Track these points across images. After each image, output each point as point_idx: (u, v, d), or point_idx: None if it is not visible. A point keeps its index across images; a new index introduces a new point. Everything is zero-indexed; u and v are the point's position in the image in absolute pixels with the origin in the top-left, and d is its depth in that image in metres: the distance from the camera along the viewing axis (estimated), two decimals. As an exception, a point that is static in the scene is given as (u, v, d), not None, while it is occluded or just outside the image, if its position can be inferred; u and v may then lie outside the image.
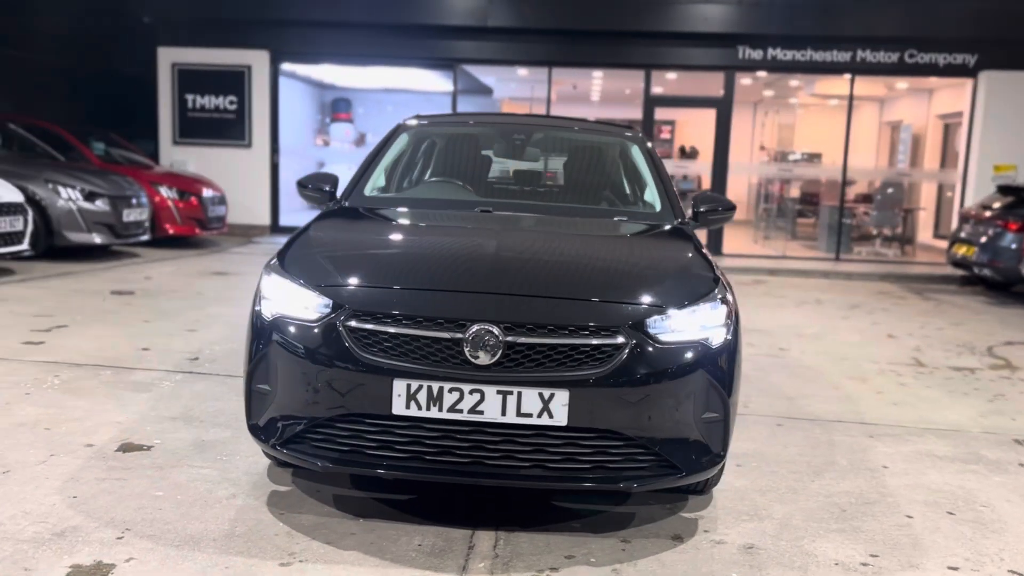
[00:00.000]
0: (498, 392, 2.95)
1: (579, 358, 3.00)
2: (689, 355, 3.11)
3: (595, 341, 3.01)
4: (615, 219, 4.11)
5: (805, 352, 6.95)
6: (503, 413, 2.96)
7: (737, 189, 17.53)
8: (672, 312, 3.15)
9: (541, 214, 4.13)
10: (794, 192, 16.89)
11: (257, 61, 14.41)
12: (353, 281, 3.19)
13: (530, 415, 2.97)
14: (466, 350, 2.96)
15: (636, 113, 14.46)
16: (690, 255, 3.65)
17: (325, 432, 3.08)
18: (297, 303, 3.16)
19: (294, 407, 3.11)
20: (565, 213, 4.23)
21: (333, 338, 3.05)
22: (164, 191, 12.17)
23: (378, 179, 4.42)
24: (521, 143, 4.83)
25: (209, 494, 3.42)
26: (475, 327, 2.97)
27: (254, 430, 3.23)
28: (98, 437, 4.01)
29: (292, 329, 3.13)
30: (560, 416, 2.97)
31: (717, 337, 3.22)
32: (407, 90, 18.06)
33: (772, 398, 5.42)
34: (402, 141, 4.69)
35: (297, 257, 3.39)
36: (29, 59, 16.39)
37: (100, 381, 4.94)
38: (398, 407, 2.98)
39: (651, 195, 4.43)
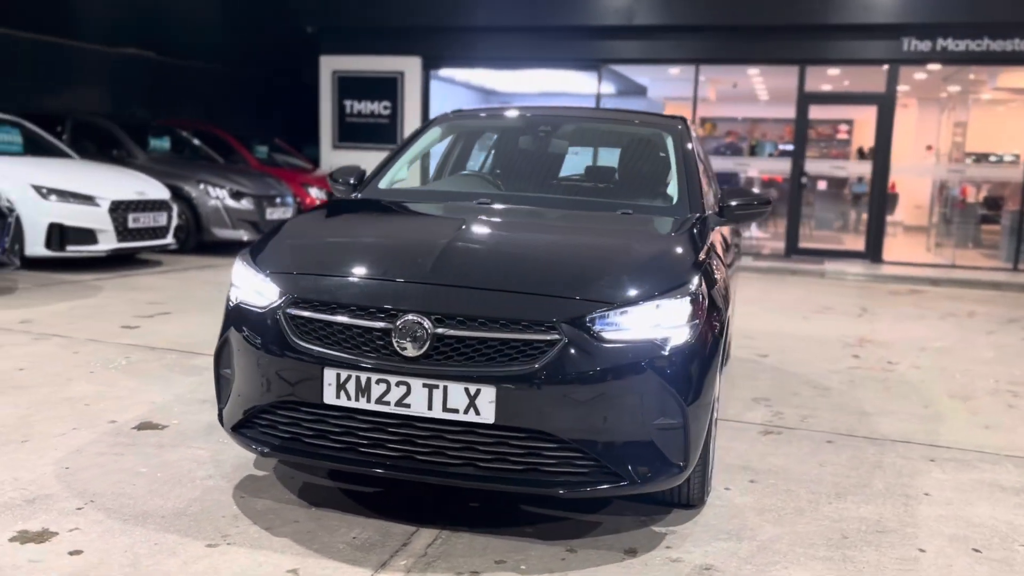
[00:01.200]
0: (424, 385, 2.86)
1: (510, 354, 2.86)
2: (638, 355, 2.89)
3: (527, 336, 2.86)
4: (618, 212, 3.89)
5: (916, 367, 6.33)
6: (429, 407, 2.87)
7: (916, 192, 16.31)
8: (620, 308, 2.93)
9: (541, 207, 3.99)
10: (974, 195, 15.48)
11: (409, 67, 14.88)
12: (298, 269, 3.19)
13: (456, 411, 2.85)
14: (395, 341, 2.89)
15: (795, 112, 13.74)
16: (668, 249, 3.39)
17: (268, 419, 3.11)
18: (253, 290, 3.20)
19: (246, 392, 3.15)
20: (568, 206, 4.06)
21: (274, 325, 3.07)
22: (314, 192, 12.84)
23: (399, 172, 4.41)
24: (546, 135, 4.69)
25: (188, 474, 3.54)
26: (404, 317, 2.90)
27: (220, 414, 3.30)
28: (125, 415, 4.24)
29: (247, 316, 3.18)
30: (487, 413, 2.84)
31: (676, 337, 2.98)
32: (564, 93, 18.05)
33: (841, 413, 4.97)
34: (434, 134, 4.66)
35: (264, 246, 3.44)
36: (212, 70, 17.74)
37: (161, 364, 5.24)
38: (329, 396, 2.95)
39: (672, 188, 4.17)
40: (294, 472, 3.58)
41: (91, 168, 9.47)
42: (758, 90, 17.68)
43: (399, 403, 2.89)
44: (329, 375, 2.94)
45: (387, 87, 15.03)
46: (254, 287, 3.20)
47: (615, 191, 4.34)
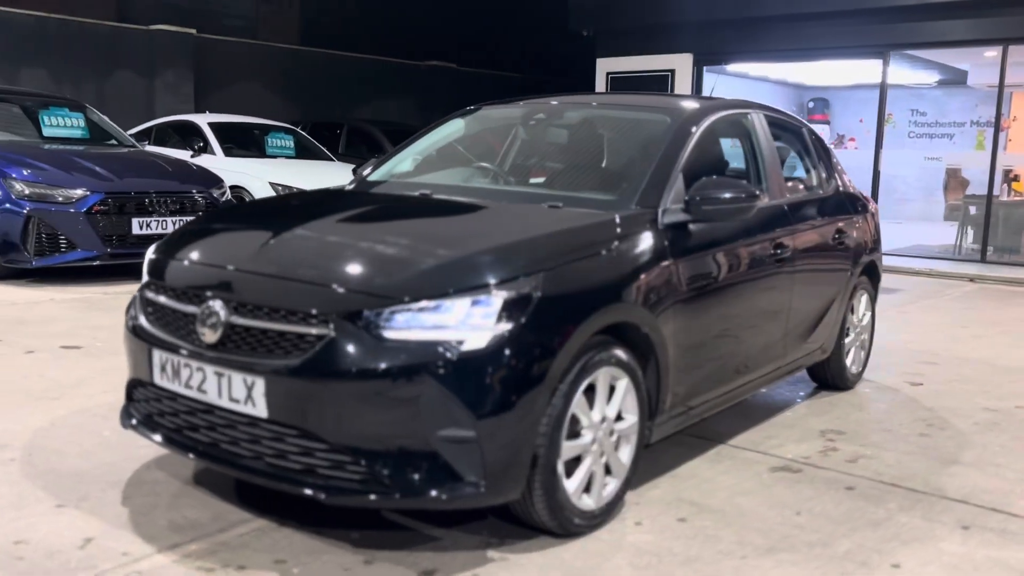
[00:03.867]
0: (215, 373, 2.85)
1: (285, 346, 2.74)
2: (418, 357, 2.62)
3: (299, 329, 2.72)
4: (545, 205, 3.50)
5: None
6: (219, 396, 2.85)
7: None
8: (403, 304, 2.68)
9: (474, 198, 3.70)
10: None
11: (680, 64, 14.47)
12: (159, 253, 3.31)
13: (239, 401, 2.81)
14: (196, 326, 2.91)
15: None
16: (497, 245, 2.98)
17: (137, 394, 3.27)
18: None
19: (129, 367, 3.34)
20: (506, 198, 3.73)
21: (134, 305, 3.24)
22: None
23: (402, 163, 4.36)
24: (537, 125, 4.33)
25: (134, 441, 3.81)
26: (206, 303, 2.91)
27: None
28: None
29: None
30: (261, 407, 2.76)
31: (474, 341, 2.66)
32: (874, 85, 16.43)
33: (921, 459, 4.05)
34: (453, 126, 4.55)
35: (178, 232, 3.60)
36: (503, 77, 18.64)
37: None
38: (157, 376, 3.05)
39: (632, 179, 3.66)
40: (218, 451, 3.72)
41: (328, 168, 10.45)
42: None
43: (199, 389, 2.90)
44: (156, 356, 3.03)
45: (657, 85, 14.76)
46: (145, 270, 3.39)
47: (571, 182, 3.91)
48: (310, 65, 16.37)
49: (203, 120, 10.85)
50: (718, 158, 4.15)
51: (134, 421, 3.21)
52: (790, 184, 4.68)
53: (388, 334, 2.65)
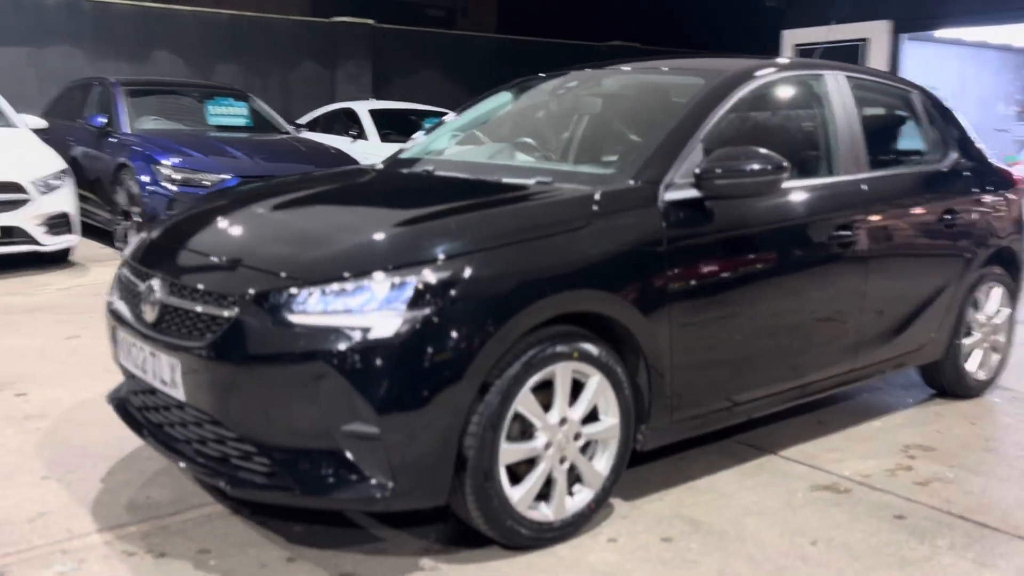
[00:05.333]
0: (151, 353, 2.78)
1: (200, 327, 2.62)
2: (324, 343, 2.41)
3: (213, 310, 2.59)
4: (534, 181, 3.14)
5: None
6: (154, 377, 2.79)
7: None
8: (314, 286, 2.48)
9: (478, 174, 3.39)
10: None
11: (875, 33, 13.22)
12: (145, 231, 3.28)
13: (166, 383, 2.72)
14: (141, 304, 2.86)
15: None
16: (443, 221, 2.69)
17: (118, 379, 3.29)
18: None
19: None
20: (507, 172, 3.36)
21: (114, 284, 3.24)
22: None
23: (439, 139, 4.13)
24: (568, 95, 3.92)
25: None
26: (148, 281, 2.85)
27: None
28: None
29: None
30: (181, 390, 2.66)
31: (383, 326, 2.42)
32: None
33: (998, 485, 3.37)
34: (499, 99, 4.25)
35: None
36: (676, 54, 17.83)
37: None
38: (121, 355, 3.03)
39: (633, 149, 3.22)
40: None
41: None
42: None
43: (142, 369, 2.85)
44: (118, 334, 3.02)
45: (847, 56, 13.55)
46: None
47: (583, 154, 3.50)
48: (490, 50, 16.46)
49: (363, 107, 11.14)
50: (765, 126, 3.60)
51: (114, 398, 3.22)
52: (883, 157, 4.02)
53: (293, 318, 2.46)
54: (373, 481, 2.46)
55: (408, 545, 2.76)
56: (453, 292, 2.47)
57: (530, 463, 2.71)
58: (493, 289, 2.52)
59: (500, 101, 4.22)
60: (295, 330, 2.45)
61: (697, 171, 3.02)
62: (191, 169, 7.93)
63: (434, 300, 2.45)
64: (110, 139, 8.62)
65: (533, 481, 2.69)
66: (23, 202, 6.97)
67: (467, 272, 2.50)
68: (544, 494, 2.76)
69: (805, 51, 14.06)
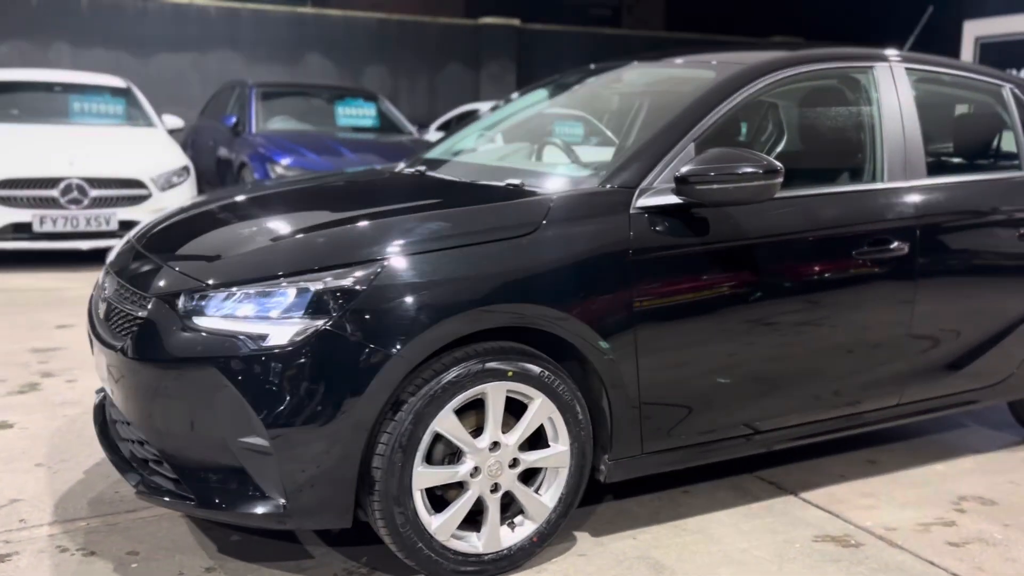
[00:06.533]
0: (99, 350, 2.76)
1: (126, 327, 2.58)
2: (219, 349, 2.31)
3: (133, 309, 2.54)
4: (505, 183, 2.90)
5: None
6: (99, 372, 2.78)
7: None
8: (221, 291, 2.38)
9: (466, 177, 3.19)
10: None
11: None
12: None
13: (104, 380, 2.72)
14: (99, 301, 2.87)
15: None
16: (356, 226, 2.53)
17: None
18: None
19: None
20: (479, 175, 3.15)
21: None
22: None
23: (466, 139, 3.95)
24: (586, 93, 3.62)
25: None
26: (106, 277, 2.85)
27: None
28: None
29: None
30: (110, 388, 2.65)
31: (278, 335, 2.29)
32: None
33: (1068, 555, 2.82)
34: (535, 96, 4.03)
35: None
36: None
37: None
38: (93, 351, 3.06)
39: (622, 152, 2.91)
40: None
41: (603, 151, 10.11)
42: None
43: (96, 366, 2.86)
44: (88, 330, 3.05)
45: (1029, 52, 12.22)
46: None
47: (580, 156, 3.20)
48: (643, 49, 16.07)
49: (486, 108, 11.13)
50: (783, 127, 3.20)
51: (99, 394, 3.27)
52: (953, 161, 3.49)
53: (196, 322, 2.37)
54: (270, 498, 2.33)
55: (333, 565, 2.62)
56: (356, 302, 2.30)
57: (462, 489, 2.51)
58: (402, 299, 2.33)
59: (528, 100, 4.00)
60: (196, 334, 2.36)
61: (677, 175, 2.69)
62: (303, 169, 8.15)
63: (334, 309, 2.29)
64: (239, 139, 9.02)
65: (455, 509, 2.48)
66: (144, 197, 7.38)
67: (373, 280, 2.33)
68: (480, 524, 2.54)
69: (990, 45, 12.78)
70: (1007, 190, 3.48)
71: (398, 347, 2.30)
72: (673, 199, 2.71)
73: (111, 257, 2.99)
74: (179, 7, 12.75)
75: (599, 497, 3.11)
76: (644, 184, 2.72)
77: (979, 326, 3.37)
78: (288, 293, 2.32)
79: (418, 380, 2.37)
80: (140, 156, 7.65)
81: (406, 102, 13.37)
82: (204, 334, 2.34)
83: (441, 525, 2.46)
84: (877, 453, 3.62)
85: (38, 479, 3.17)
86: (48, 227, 7.00)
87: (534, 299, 2.49)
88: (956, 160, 3.61)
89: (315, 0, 14.99)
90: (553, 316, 2.51)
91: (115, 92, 8.78)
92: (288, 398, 2.27)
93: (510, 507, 2.61)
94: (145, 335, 2.44)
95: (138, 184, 7.35)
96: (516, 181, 2.87)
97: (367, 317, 2.30)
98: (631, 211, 2.67)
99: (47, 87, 8.63)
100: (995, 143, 3.69)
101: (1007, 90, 3.67)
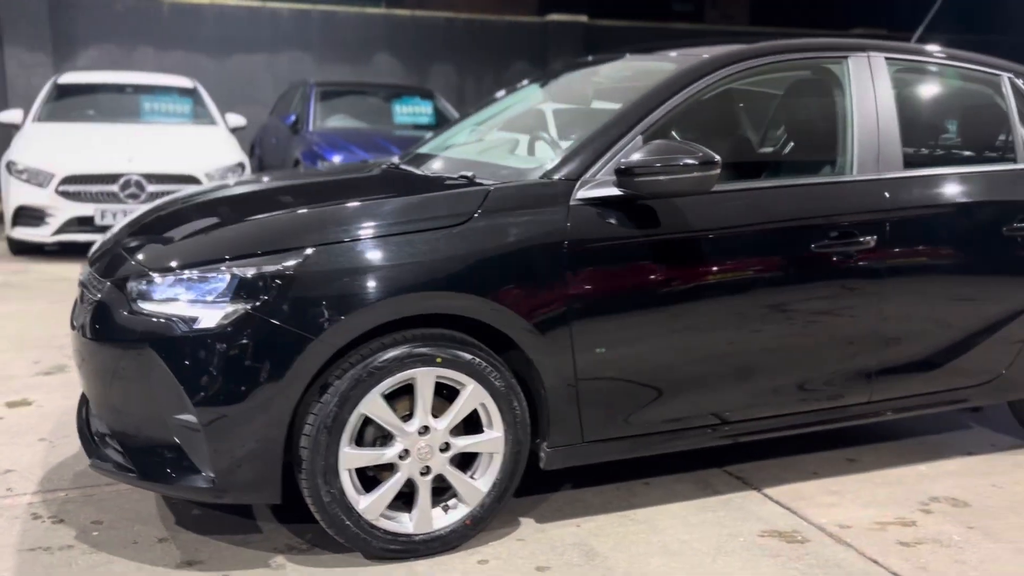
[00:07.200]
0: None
1: (88, 308, 2.74)
2: (155, 331, 2.46)
3: (93, 294, 2.71)
4: (457, 175, 2.95)
5: None
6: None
7: None
8: (162, 276, 2.52)
9: (424, 170, 3.28)
10: None
11: None
12: None
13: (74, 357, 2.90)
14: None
15: None
16: (285, 215, 2.66)
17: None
18: None
19: None
20: (444, 168, 3.24)
21: None
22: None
23: (458, 134, 4.03)
24: (568, 87, 3.63)
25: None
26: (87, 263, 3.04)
27: None
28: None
29: None
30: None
31: (208, 318, 2.43)
32: None
33: (1011, 558, 2.72)
34: (526, 92, 4.08)
35: None
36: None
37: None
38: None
39: (569, 144, 2.93)
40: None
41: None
42: None
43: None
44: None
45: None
46: None
47: (539, 148, 3.22)
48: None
49: (548, 107, 11.15)
50: (740, 119, 3.17)
51: None
52: (937, 154, 3.39)
53: (142, 305, 2.52)
54: (202, 472, 2.47)
55: (277, 540, 2.74)
56: (282, 287, 2.42)
57: (393, 471, 2.59)
58: (327, 286, 2.44)
59: (515, 96, 4.06)
60: (139, 317, 2.51)
61: (617, 167, 2.72)
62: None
63: (260, 294, 2.41)
64: (297, 136, 9.31)
65: (384, 490, 2.57)
66: (198, 193, 7.72)
67: (299, 267, 2.43)
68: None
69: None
70: (996, 184, 3.36)
71: (320, 332, 2.40)
72: (615, 191, 2.74)
73: (94, 248, 3.18)
74: (253, 10, 13.18)
75: (557, 485, 3.15)
76: (587, 176, 2.76)
77: (958, 324, 3.28)
78: (222, 279, 2.45)
79: (345, 364, 2.46)
80: (197, 153, 7.99)
81: (472, 100, 13.50)
82: (146, 317, 2.49)
83: (369, 505, 2.55)
84: (859, 452, 3.55)
85: (35, 452, 3.40)
86: (108, 220, 7.37)
87: (462, 287, 2.56)
88: (945, 152, 3.51)
89: (389, 0, 15.30)
90: (482, 305, 2.57)
91: (183, 92, 9.20)
92: (215, 378, 2.40)
93: (448, 491, 2.69)
94: (98, 317, 2.61)
95: (192, 180, 7.67)
96: (469, 173, 2.94)
97: (291, 303, 2.41)
98: (571, 202, 2.71)
99: (120, 88, 9.10)
100: (991, 135, 3.57)
101: (1005, 80, 3.54)
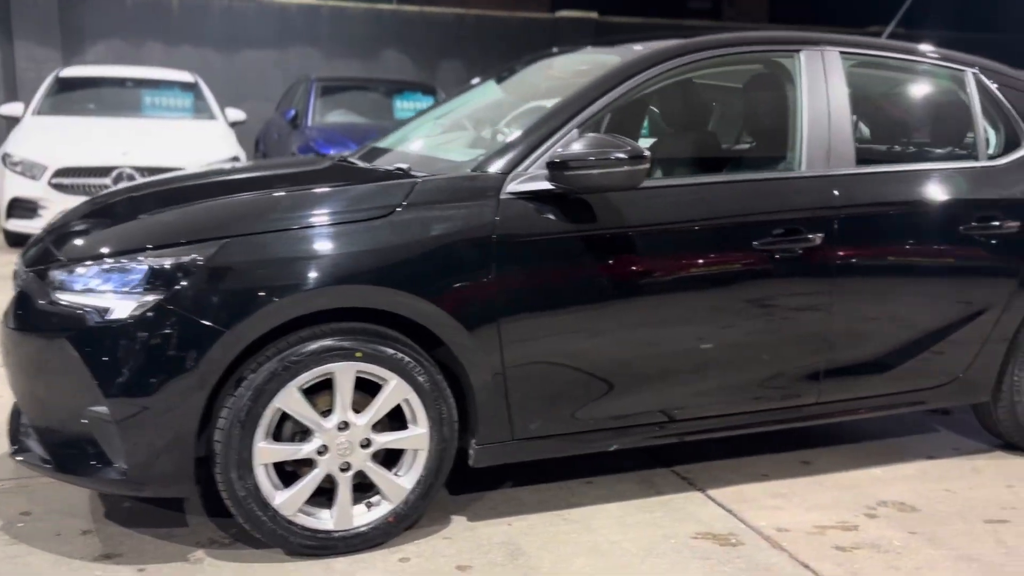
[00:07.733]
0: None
1: (13, 300, 2.73)
2: (71, 322, 2.44)
3: (18, 283, 2.71)
4: (393, 166, 2.91)
5: None
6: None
7: None
8: (78, 266, 2.51)
9: (370, 164, 3.24)
10: None
11: None
12: None
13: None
14: (18, 276, 3.05)
15: None
16: (202, 206, 2.66)
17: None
18: None
19: None
20: (395, 160, 3.16)
21: None
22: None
23: (418, 129, 3.98)
24: (509, 75, 3.55)
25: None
26: (23, 256, 3.03)
27: None
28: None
29: None
30: (6, 355, 2.83)
31: (120, 309, 2.41)
32: None
33: (950, 564, 2.65)
34: (488, 86, 4.02)
35: None
36: (984, 40, 15.83)
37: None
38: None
39: (508, 136, 2.88)
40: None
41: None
42: None
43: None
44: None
45: None
46: None
47: (481, 143, 3.18)
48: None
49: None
50: (680, 113, 3.11)
51: None
52: (891, 150, 3.31)
53: (60, 295, 2.50)
54: (115, 465, 2.45)
55: (201, 535, 2.71)
56: (193, 279, 2.39)
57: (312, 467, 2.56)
58: (238, 278, 2.41)
59: (477, 89, 4.02)
60: (56, 307, 2.49)
61: (548, 161, 2.67)
62: (349, 160, 8.35)
63: (172, 286, 2.39)
64: (296, 131, 9.32)
65: (302, 486, 2.54)
66: (191, 187, 7.74)
67: (213, 258, 2.41)
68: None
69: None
70: (954, 181, 3.27)
71: (230, 324, 2.38)
72: (546, 185, 2.69)
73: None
74: (262, 5, 13.23)
75: (497, 483, 3.11)
76: (519, 170, 2.71)
77: (912, 325, 3.20)
78: (135, 269, 2.43)
79: (261, 357, 2.43)
80: (192, 147, 8.01)
81: (480, 96, 13.49)
82: (64, 307, 2.48)
83: (286, 500, 2.52)
84: (815, 454, 3.48)
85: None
86: (101, 214, 7.40)
87: (382, 281, 2.52)
88: (902, 149, 3.43)
89: (400, -4, 15.31)
90: (402, 298, 2.53)
91: (184, 87, 9.22)
92: (126, 370, 2.38)
93: (373, 488, 2.65)
94: (20, 308, 2.60)
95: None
96: (404, 166, 2.90)
97: (202, 294, 2.39)
98: (502, 196, 2.66)
99: (121, 83, 9.15)
100: (952, 131, 3.48)
101: (969, 75, 3.45)
